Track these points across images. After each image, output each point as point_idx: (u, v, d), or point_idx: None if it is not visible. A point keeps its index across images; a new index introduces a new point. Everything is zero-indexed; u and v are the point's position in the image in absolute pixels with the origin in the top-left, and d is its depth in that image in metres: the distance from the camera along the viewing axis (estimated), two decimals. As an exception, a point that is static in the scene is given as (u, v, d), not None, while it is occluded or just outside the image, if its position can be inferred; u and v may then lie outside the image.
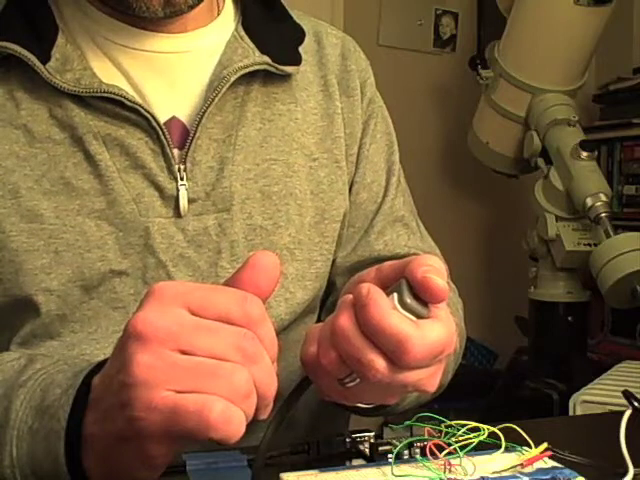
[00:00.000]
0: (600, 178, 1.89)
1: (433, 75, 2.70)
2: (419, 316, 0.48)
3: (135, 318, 0.44)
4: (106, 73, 0.70)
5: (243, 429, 0.43)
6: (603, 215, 1.81)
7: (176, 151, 0.71)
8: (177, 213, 0.71)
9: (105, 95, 0.68)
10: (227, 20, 0.78)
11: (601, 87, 2.49)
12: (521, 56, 2.09)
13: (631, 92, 2.36)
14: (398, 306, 0.48)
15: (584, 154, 1.90)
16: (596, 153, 1.93)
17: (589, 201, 1.83)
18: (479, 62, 2.27)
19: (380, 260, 0.82)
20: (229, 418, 0.42)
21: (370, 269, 0.54)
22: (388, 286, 0.50)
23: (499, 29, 2.18)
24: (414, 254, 0.83)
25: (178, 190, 0.70)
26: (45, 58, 0.68)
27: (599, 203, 1.82)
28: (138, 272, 0.70)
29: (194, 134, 0.71)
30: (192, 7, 0.70)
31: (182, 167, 0.71)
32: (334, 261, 0.82)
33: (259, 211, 0.74)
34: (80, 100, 0.69)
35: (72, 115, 0.69)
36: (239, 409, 0.43)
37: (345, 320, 0.49)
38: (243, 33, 0.77)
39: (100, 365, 0.50)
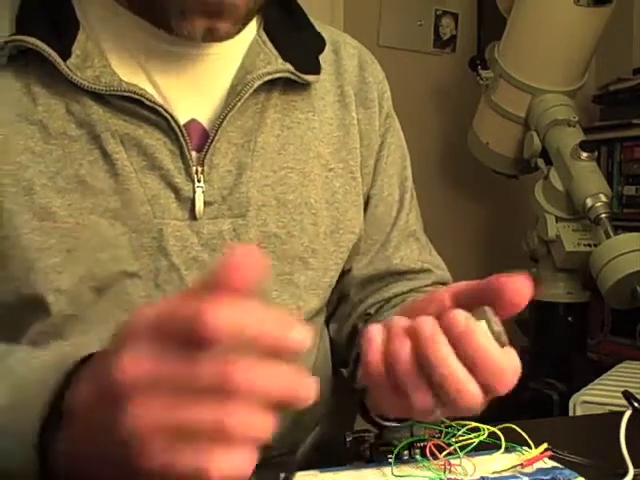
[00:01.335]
0: (600, 179, 1.89)
1: (433, 76, 2.70)
2: (502, 344, 0.49)
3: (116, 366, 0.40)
4: (127, 71, 0.69)
5: (249, 468, 0.40)
6: (603, 216, 1.81)
7: (194, 153, 0.70)
8: (192, 216, 0.70)
9: (125, 94, 0.67)
10: (250, 23, 0.76)
11: (601, 88, 2.49)
12: (521, 56, 2.09)
13: (631, 93, 2.36)
14: (488, 333, 0.48)
15: (584, 155, 1.90)
16: (596, 154, 1.93)
17: (589, 202, 1.83)
18: (479, 63, 2.27)
19: (395, 274, 0.84)
20: (229, 471, 0.39)
21: (439, 290, 0.55)
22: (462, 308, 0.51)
23: (499, 30, 2.18)
24: (427, 269, 0.85)
25: (195, 192, 0.70)
26: (65, 54, 0.67)
27: (599, 204, 1.82)
28: (150, 274, 0.69)
29: (214, 137, 0.70)
30: (231, 38, 0.70)
31: (200, 169, 0.70)
32: (349, 272, 0.83)
33: (274, 219, 0.74)
34: (99, 98, 0.68)
35: (90, 112, 0.68)
36: (239, 452, 0.39)
37: (442, 348, 0.49)
38: (265, 38, 0.76)
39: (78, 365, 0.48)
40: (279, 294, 0.74)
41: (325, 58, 0.80)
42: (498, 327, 0.48)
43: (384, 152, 0.84)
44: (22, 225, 0.66)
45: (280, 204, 0.74)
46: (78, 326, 0.68)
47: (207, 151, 0.70)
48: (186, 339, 0.39)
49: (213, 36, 0.67)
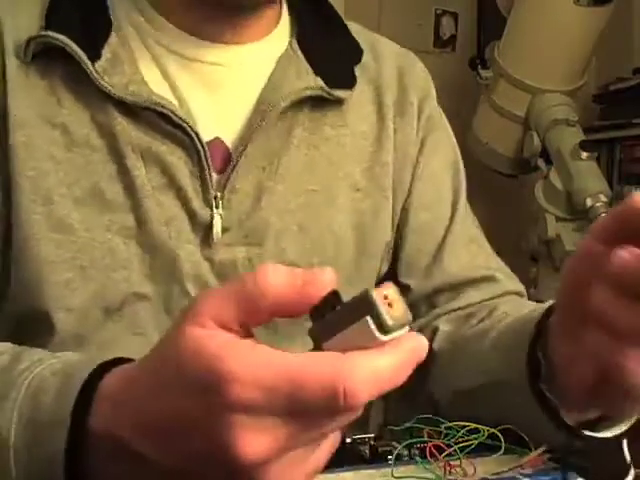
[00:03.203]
0: (600, 178, 1.89)
1: (433, 75, 2.67)
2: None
3: (235, 448, 0.36)
4: (152, 80, 0.67)
5: None
6: (603, 215, 1.81)
7: (215, 175, 0.67)
8: (207, 241, 0.67)
9: (153, 107, 0.64)
10: (282, 31, 0.74)
11: (601, 87, 2.48)
12: (521, 56, 2.09)
13: (631, 92, 2.36)
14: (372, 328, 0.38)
15: (584, 154, 1.90)
16: (596, 153, 1.93)
17: (589, 201, 1.83)
18: (479, 62, 2.27)
19: (458, 285, 0.77)
20: None
21: (582, 244, 0.47)
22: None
23: (499, 29, 2.18)
24: (492, 276, 0.78)
25: (212, 218, 0.67)
26: (95, 55, 0.64)
27: (599, 203, 1.82)
28: (161, 298, 0.67)
29: (237, 162, 0.67)
30: (274, 2, 0.68)
31: (219, 194, 0.67)
32: (409, 290, 0.77)
33: (293, 246, 0.70)
34: (124, 106, 0.65)
35: (114, 123, 0.65)
36: None
37: None
38: (297, 47, 0.73)
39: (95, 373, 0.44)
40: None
41: (365, 66, 0.76)
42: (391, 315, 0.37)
43: (423, 158, 0.79)
44: (39, 236, 0.64)
45: (301, 230, 0.71)
46: (84, 348, 0.65)
47: (229, 176, 0.67)
48: (318, 408, 0.36)
49: None
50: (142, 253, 0.66)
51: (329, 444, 0.40)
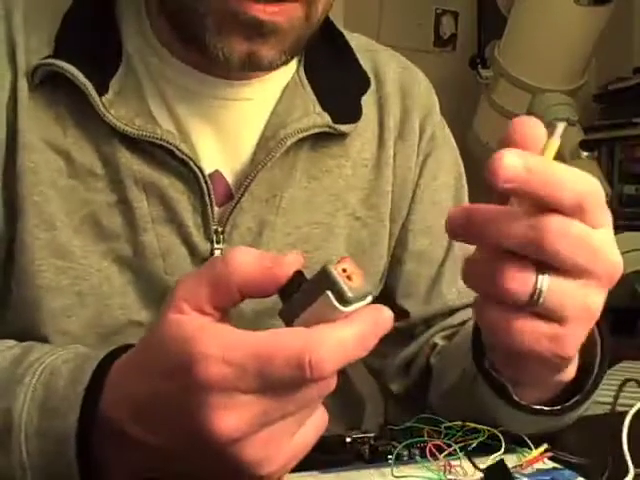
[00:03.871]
0: (600, 178, 1.89)
1: (433, 74, 2.67)
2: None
3: (214, 425, 0.38)
4: (158, 113, 0.66)
5: None
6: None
7: (216, 209, 0.67)
8: None
9: (157, 142, 0.64)
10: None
11: (601, 87, 2.49)
12: (521, 55, 2.09)
13: (631, 92, 2.36)
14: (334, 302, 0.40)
15: (584, 154, 1.90)
16: (596, 153, 1.93)
17: (589, 201, 1.83)
18: (479, 61, 2.27)
19: (455, 310, 0.78)
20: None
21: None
22: None
23: (499, 28, 2.18)
24: None
25: (213, 252, 0.67)
26: (103, 88, 0.63)
27: (599, 203, 1.82)
28: None
29: (240, 198, 0.67)
30: (274, 69, 0.65)
31: (220, 229, 0.67)
32: (408, 315, 0.79)
33: None
34: (129, 139, 0.64)
35: (118, 155, 0.65)
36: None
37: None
38: (303, 75, 0.72)
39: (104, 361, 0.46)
40: None
41: (368, 91, 0.75)
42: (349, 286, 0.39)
43: (423, 180, 0.79)
44: (40, 261, 0.64)
45: None
46: None
47: (231, 212, 0.67)
48: (287, 381, 0.38)
49: (253, 64, 0.61)
50: (137, 282, 0.66)
51: (316, 423, 0.42)
